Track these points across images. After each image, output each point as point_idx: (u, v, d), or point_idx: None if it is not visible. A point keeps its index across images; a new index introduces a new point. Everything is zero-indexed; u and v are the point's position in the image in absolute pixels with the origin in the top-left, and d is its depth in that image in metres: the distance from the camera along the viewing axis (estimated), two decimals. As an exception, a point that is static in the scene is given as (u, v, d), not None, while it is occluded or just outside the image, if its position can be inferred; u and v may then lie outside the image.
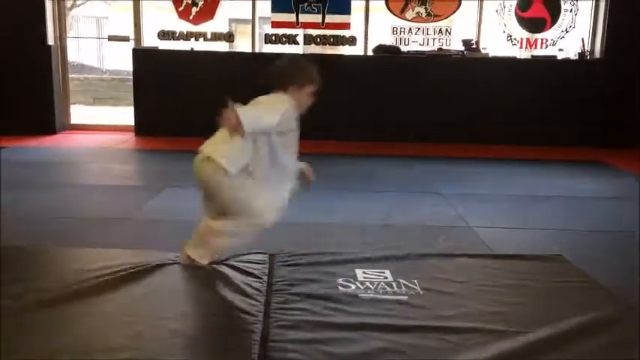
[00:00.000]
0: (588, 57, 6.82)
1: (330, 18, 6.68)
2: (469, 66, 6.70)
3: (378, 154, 6.04)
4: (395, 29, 6.84)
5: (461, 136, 6.65)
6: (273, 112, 2.42)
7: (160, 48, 6.76)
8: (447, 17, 6.83)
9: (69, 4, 9.03)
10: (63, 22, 6.94)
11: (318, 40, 6.75)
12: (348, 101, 6.52)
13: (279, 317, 2.13)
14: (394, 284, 2.47)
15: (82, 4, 11.52)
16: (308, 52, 6.91)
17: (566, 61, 6.85)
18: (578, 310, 2.24)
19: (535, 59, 6.87)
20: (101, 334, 1.99)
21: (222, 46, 7.02)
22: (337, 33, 6.73)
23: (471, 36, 6.89)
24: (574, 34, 6.85)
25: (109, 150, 6.04)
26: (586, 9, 6.84)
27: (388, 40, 6.85)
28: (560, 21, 6.83)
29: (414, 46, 6.84)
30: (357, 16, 6.78)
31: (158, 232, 3.33)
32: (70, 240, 3.10)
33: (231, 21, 8.36)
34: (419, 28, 6.83)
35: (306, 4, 6.66)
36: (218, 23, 6.88)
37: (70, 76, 7.27)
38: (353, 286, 2.43)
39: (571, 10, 6.82)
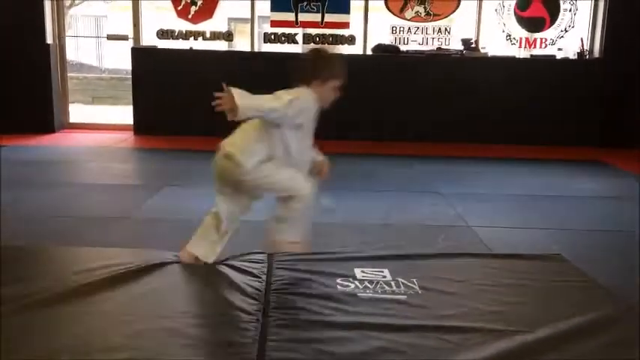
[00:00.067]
0: (587, 56, 6.83)
1: (329, 17, 6.68)
2: (468, 65, 6.70)
3: (377, 153, 6.03)
4: (394, 28, 6.84)
5: (460, 135, 6.65)
6: (275, 100, 2.41)
7: (158, 47, 6.75)
8: (446, 17, 6.83)
9: (67, 3, 9.02)
10: (62, 21, 6.94)
11: (318, 39, 6.74)
12: (348, 101, 6.48)
13: (278, 316, 2.13)
14: (393, 283, 2.46)
15: (81, 3, 11.52)
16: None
17: (566, 61, 6.85)
18: (578, 310, 2.23)
19: (534, 59, 6.87)
20: (100, 334, 1.98)
21: (221, 45, 7.01)
22: (336, 32, 6.73)
23: (470, 35, 6.89)
24: (573, 34, 6.86)
25: (107, 149, 6.04)
26: (585, 8, 6.84)
27: (387, 39, 6.86)
28: (559, 20, 6.83)
29: (413, 46, 6.84)
30: (356, 16, 6.78)
31: (157, 230, 3.33)
32: (69, 239, 3.10)
33: (230, 20, 8.37)
34: (418, 28, 6.83)
35: (305, 3, 6.66)
36: (217, 22, 6.88)
37: (68, 75, 7.27)
38: (352, 286, 2.43)
39: (570, 10, 6.82)
